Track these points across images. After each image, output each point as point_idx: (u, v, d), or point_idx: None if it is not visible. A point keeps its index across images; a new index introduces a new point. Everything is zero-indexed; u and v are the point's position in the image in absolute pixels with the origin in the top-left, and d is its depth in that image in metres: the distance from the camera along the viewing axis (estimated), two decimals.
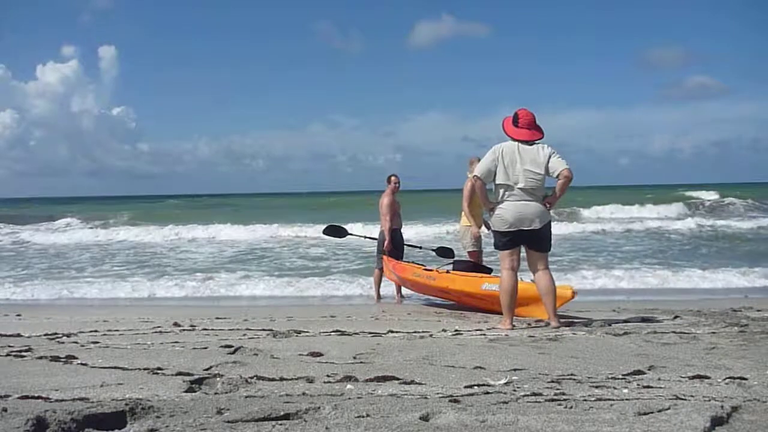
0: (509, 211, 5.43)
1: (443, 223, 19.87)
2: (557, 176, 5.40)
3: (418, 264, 8.23)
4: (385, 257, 8.40)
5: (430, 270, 7.65)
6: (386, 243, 8.37)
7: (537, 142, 5.52)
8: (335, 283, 9.99)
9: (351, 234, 9.80)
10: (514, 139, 5.50)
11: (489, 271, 7.26)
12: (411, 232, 15.10)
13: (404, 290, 8.54)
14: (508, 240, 5.51)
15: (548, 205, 5.51)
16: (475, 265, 7.40)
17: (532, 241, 5.49)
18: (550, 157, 5.40)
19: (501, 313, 6.47)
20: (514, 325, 5.49)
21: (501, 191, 5.48)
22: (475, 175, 5.57)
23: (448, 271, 7.39)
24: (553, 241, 5.66)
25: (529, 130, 5.51)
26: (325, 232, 9.95)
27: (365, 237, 9.93)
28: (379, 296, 8.55)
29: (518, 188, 5.40)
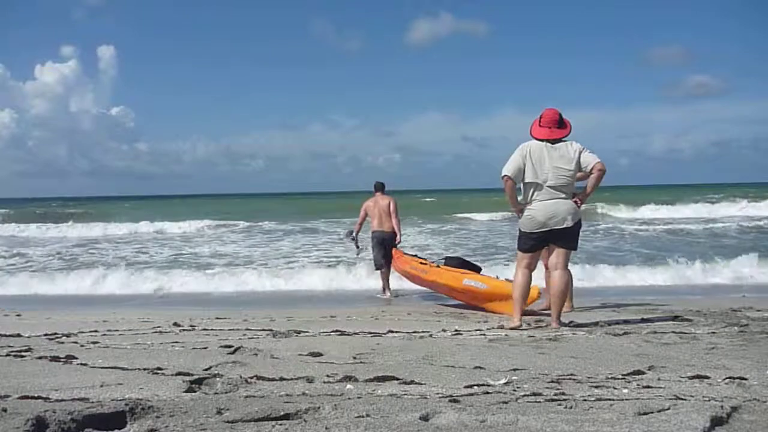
0: (540, 211, 5.34)
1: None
2: (590, 170, 5.34)
3: (421, 258, 8.61)
4: (394, 250, 8.93)
5: (425, 264, 8.09)
6: (397, 237, 9.05)
7: (563, 139, 5.44)
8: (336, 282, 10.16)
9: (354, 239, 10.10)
10: (537, 139, 5.43)
11: (478, 269, 7.60)
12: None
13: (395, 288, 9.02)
14: (536, 242, 5.45)
15: (579, 202, 5.43)
16: (465, 262, 7.84)
17: (561, 238, 5.40)
18: (581, 152, 5.34)
19: (483, 310, 7.14)
20: (528, 325, 5.43)
21: (530, 190, 5.40)
22: (505, 175, 5.39)
23: (438, 266, 7.80)
24: None
25: (549, 128, 5.42)
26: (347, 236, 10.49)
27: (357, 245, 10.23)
28: (388, 291, 8.96)
29: (548, 186, 5.32)
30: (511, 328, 5.36)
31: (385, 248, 8.99)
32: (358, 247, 9.70)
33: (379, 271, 9.08)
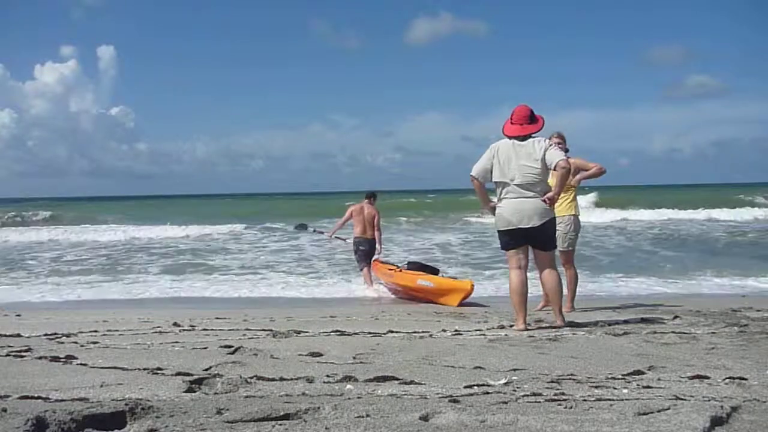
0: (507, 210, 5.36)
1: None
2: (554, 168, 5.29)
3: (391, 264, 9.56)
4: (376, 260, 9.76)
5: (392, 270, 9.10)
6: (378, 248, 9.86)
7: (534, 135, 5.42)
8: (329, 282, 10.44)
9: (312, 229, 11.85)
10: (507, 136, 5.43)
11: (436, 271, 8.72)
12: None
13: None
14: (511, 239, 5.44)
15: (548, 201, 5.37)
16: (423, 265, 8.88)
17: (534, 239, 5.39)
18: (546, 150, 5.29)
19: (434, 302, 7.94)
20: (529, 326, 5.40)
21: (499, 189, 5.44)
22: (471, 175, 5.48)
23: (400, 270, 8.92)
24: None
25: (521, 125, 5.40)
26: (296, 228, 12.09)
27: (318, 232, 11.76)
28: (370, 285, 9.66)
29: (515, 185, 5.31)
30: (517, 330, 5.31)
31: (365, 253, 9.79)
32: (313, 231, 11.16)
33: (362, 271, 9.87)
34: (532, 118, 5.45)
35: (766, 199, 32.75)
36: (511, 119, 5.48)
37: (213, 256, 14.87)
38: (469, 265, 12.39)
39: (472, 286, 7.80)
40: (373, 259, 9.76)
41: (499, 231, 5.51)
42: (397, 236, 18.66)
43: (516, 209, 5.34)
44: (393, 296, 9.10)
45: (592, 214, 23.96)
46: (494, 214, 5.54)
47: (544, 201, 5.36)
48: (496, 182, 5.44)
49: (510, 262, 5.54)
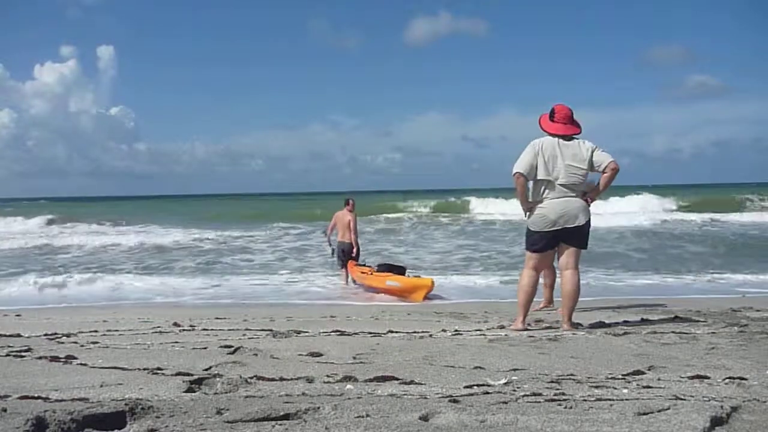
0: (552, 209, 5.22)
1: None
2: (604, 170, 5.22)
3: (364, 266, 10.40)
4: (351, 262, 10.66)
5: (365, 272, 10.07)
6: (355, 250, 10.79)
7: (575, 137, 5.33)
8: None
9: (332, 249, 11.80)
10: (551, 134, 5.31)
11: (403, 270, 9.63)
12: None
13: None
14: (549, 240, 5.32)
15: (589, 200, 5.32)
16: (392, 266, 9.83)
17: (572, 237, 5.29)
18: (593, 151, 5.22)
19: (405, 301, 8.45)
20: (528, 326, 5.38)
21: (541, 188, 5.27)
22: (517, 172, 5.27)
23: (372, 272, 9.85)
24: None
25: (566, 124, 5.31)
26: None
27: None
28: (347, 282, 10.66)
29: (559, 184, 5.20)
30: (515, 330, 5.29)
31: (345, 255, 10.82)
32: (331, 247, 11.20)
33: (341, 270, 10.94)
34: (573, 120, 5.38)
35: (764, 199, 32.68)
36: (553, 117, 5.36)
37: (216, 258, 14.87)
38: (500, 266, 12.45)
39: (433, 282, 8.84)
40: (349, 261, 10.69)
41: (535, 231, 5.35)
42: (415, 238, 19.16)
43: (561, 209, 5.22)
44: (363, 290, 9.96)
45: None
46: (532, 214, 5.36)
47: (586, 200, 5.31)
48: (537, 180, 5.28)
49: (529, 262, 5.46)
